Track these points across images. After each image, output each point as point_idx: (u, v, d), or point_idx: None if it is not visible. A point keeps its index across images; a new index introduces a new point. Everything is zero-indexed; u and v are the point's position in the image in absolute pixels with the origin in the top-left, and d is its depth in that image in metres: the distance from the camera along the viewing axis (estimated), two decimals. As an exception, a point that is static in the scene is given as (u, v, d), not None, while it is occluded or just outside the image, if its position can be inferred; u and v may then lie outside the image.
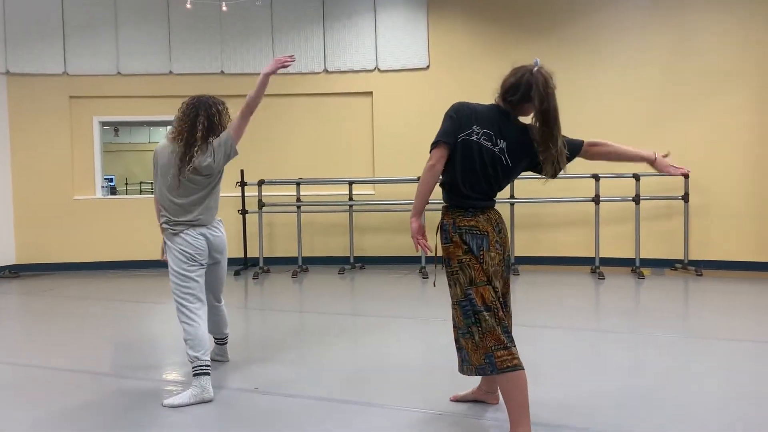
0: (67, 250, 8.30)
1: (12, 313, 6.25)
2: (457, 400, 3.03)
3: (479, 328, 2.49)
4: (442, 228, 2.72)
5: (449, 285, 2.64)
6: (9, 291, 7.13)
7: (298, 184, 7.81)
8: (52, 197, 8.31)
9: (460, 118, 2.61)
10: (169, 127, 3.48)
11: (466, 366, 2.60)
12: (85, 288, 7.11)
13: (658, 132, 7.50)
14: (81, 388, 3.41)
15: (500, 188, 2.72)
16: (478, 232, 2.61)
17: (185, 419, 2.96)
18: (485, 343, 2.48)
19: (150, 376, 3.72)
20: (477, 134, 2.55)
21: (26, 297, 6.83)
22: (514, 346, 2.51)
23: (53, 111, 8.28)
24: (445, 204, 2.76)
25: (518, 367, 2.45)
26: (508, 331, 2.53)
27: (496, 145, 2.57)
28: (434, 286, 2.91)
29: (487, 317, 2.49)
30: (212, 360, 3.67)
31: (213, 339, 3.73)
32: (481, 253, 2.57)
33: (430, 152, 2.64)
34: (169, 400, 3.12)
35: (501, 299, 2.58)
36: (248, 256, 8.12)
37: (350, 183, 7.89)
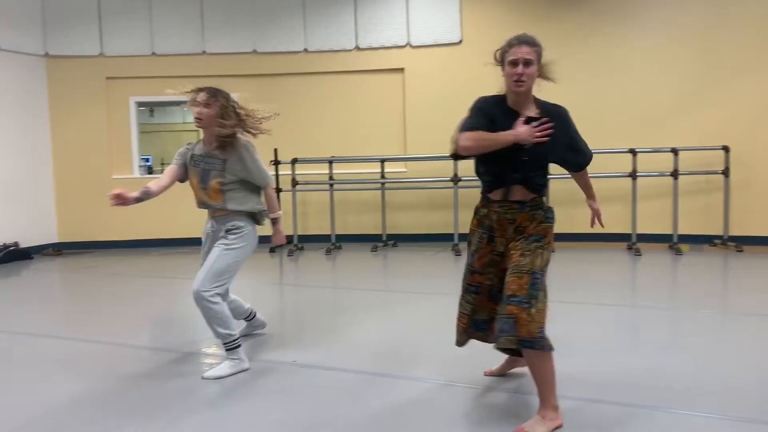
0: (107, 229, 8.50)
1: (56, 289, 6.45)
2: (492, 374, 3.04)
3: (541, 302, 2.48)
4: (546, 208, 2.70)
5: (535, 255, 2.56)
6: (52, 268, 7.35)
7: (330, 162, 7.83)
8: (91, 177, 8.50)
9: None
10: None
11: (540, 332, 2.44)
12: (125, 265, 7.29)
13: (696, 105, 7.32)
14: (123, 361, 3.51)
15: None
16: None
17: (225, 390, 3.03)
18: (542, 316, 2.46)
19: (189, 349, 3.81)
20: None
21: (69, 274, 7.03)
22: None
23: (91, 92, 8.44)
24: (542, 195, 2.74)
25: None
26: None
27: None
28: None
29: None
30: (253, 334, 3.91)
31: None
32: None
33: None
34: (210, 373, 3.19)
35: None
36: (282, 233, 8.21)
37: (382, 161, 7.88)
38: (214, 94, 3.33)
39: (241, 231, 3.33)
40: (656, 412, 2.57)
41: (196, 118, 3.29)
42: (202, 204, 3.45)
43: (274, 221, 3.51)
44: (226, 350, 3.24)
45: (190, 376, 3.26)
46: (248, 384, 3.12)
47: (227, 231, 3.33)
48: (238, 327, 3.41)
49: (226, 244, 3.28)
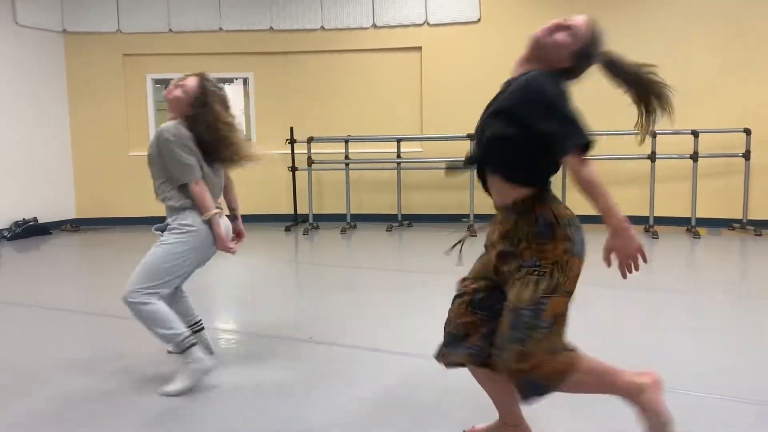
0: (124, 205, 8.57)
1: (75, 264, 6.53)
2: None
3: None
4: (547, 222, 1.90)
5: (522, 285, 1.85)
6: (71, 243, 7.43)
7: (346, 141, 7.82)
8: (109, 153, 8.56)
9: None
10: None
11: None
12: (142, 241, 7.34)
13: (717, 87, 7.21)
14: (140, 333, 3.55)
15: None
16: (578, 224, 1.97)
17: (243, 364, 3.06)
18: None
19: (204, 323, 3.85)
20: None
21: (87, 249, 7.11)
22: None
23: (108, 69, 8.46)
24: (536, 193, 1.97)
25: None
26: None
27: None
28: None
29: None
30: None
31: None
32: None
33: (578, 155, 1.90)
34: (167, 388, 2.72)
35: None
36: (298, 212, 8.24)
37: (398, 140, 7.86)
38: (203, 83, 2.88)
39: (182, 228, 2.82)
40: (674, 394, 2.56)
41: (165, 96, 2.90)
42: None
43: (208, 223, 2.86)
44: (179, 353, 2.74)
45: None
46: (265, 359, 3.15)
47: (169, 229, 2.88)
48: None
49: (160, 241, 2.87)
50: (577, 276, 1.86)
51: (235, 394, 2.72)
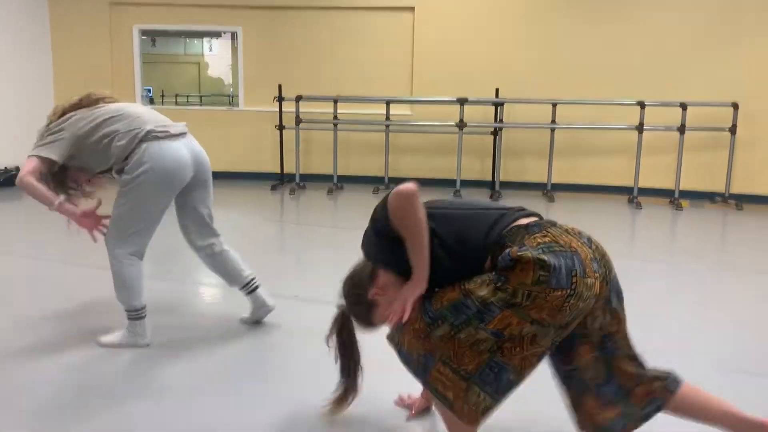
0: (109, 158, 8.46)
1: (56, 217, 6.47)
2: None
3: None
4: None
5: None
6: (54, 195, 7.36)
7: (335, 101, 7.75)
8: (94, 105, 8.42)
9: None
10: None
11: None
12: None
13: (707, 60, 7.22)
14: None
15: None
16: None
17: (231, 320, 3.09)
18: None
19: (189, 279, 3.86)
20: None
21: (71, 202, 7.05)
22: None
23: (93, 18, 8.26)
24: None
25: None
26: None
27: None
28: None
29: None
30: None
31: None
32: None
33: None
34: (103, 338, 2.78)
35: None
36: (284, 171, 8.20)
37: (387, 102, 7.80)
38: None
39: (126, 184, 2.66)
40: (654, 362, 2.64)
41: None
42: None
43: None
44: (127, 319, 2.76)
45: (193, 307, 3.32)
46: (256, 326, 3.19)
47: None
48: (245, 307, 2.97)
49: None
50: (558, 308, 1.57)
51: (223, 347, 2.75)
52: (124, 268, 2.66)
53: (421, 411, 2.16)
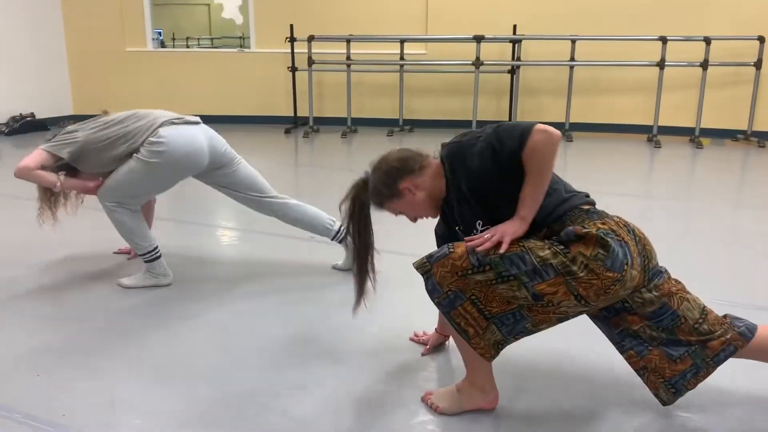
0: (122, 101, 8.36)
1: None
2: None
3: None
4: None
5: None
6: (70, 141, 7.39)
7: (348, 41, 7.60)
8: (105, 49, 8.35)
9: None
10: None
11: None
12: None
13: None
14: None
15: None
16: None
17: (248, 261, 3.13)
18: None
19: (205, 221, 3.90)
20: None
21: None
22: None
23: (100, -42, 8.10)
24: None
25: None
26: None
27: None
28: None
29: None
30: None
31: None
32: None
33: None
34: (123, 280, 2.81)
35: None
36: (298, 114, 8.14)
37: (401, 41, 7.63)
38: None
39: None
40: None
41: None
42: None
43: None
44: (144, 261, 2.79)
45: (202, 248, 3.36)
46: (268, 256, 3.21)
47: None
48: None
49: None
50: (604, 289, 1.58)
51: (243, 289, 2.80)
52: (116, 214, 2.70)
53: (435, 347, 2.19)
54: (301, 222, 3.03)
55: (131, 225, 2.74)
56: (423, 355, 2.17)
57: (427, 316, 2.25)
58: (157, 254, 2.79)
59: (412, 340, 2.26)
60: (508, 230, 1.64)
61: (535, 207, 1.67)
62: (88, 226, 3.52)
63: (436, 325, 2.21)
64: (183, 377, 2.01)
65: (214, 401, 1.86)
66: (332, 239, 3.02)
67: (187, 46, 14.35)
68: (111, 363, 2.10)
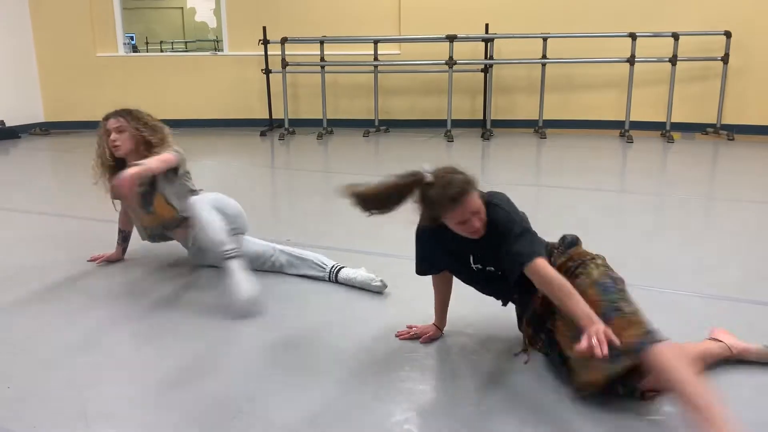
0: (94, 107, 8.26)
1: (46, 168, 6.43)
2: None
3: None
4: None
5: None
6: (41, 147, 7.28)
7: (321, 42, 7.59)
8: (75, 54, 8.25)
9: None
10: None
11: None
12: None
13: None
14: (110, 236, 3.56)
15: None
16: None
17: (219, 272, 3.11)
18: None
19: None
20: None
21: (58, 153, 6.99)
22: None
23: (68, -37, 8.00)
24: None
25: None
26: None
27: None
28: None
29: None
30: None
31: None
32: None
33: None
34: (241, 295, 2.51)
35: None
36: (273, 117, 8.11)
37: (375, 42, 7.65)
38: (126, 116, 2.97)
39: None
40: (639, 289, 2.68)
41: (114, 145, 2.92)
42: (155, 234, 3.03)
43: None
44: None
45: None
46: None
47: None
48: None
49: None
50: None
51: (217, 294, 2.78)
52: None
53: (432, 339, 2.22)
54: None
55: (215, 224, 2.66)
56: (421, 342, 2.18)
57: (413, 318, 2.24)
58: (232, 254, 2.60)
59: (401, 337, 2.26)
60: (599, 331, 1.63)
61: (580, 306, 1.72)
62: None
63: (433, 320, 2.25)
64: (156, 383, 1.99)
65: (190, 406, 1.85)
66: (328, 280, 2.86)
67: (161, 50, 14.20)
68: (81, 371, 2.08)
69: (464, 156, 6.25)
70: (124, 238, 3.14)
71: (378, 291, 2.70)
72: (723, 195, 4.69)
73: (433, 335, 2.23)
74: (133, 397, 1.91)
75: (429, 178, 1.85)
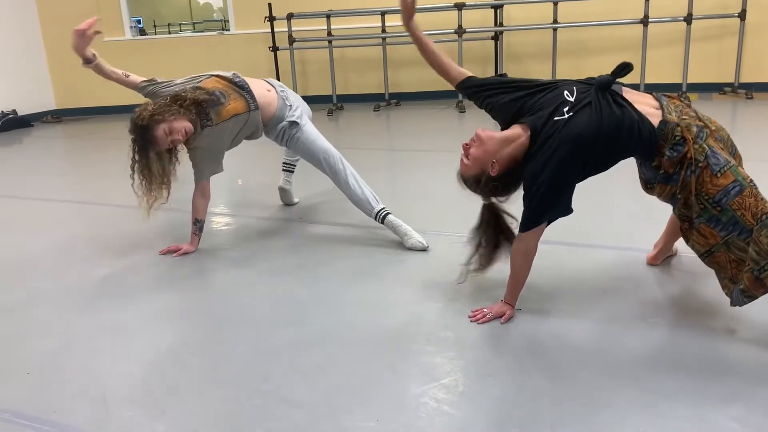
0: (105, 93, 8.32)
1: (61, 155, 6.46)
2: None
3: None
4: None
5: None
6: (54, 135, 7.31)
7: (328, 16, 7.50)
8: (83, 41, 8.22)
9: None
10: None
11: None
12: (124, 129, 7.24)
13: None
14: (130, 219, 3.58)
15: None
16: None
17: (240, 243, 3.11)
18: None
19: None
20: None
21: (72, 140, 7.01)
22: None
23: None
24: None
25: None
26: None
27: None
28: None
29: None
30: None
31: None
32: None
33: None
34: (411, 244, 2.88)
35: None
36: (283, 94, 8.06)
37: (382, 13, 7.53)
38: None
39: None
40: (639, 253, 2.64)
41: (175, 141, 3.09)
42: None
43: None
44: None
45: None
46: (259, 237, 3.20)
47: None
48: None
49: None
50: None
51: (237, 270, 2.78)
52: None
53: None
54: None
55: (356, 196, 3.12)
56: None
57: (434, 313, 2.22)
58: (384, 213, 2.98)
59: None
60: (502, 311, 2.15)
61: (516, 289, 2.16)
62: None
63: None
64: (173, 366, 2.00)
65: (205, 386, 1.86)
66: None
67: (169, 33, 14.14)
68: (100, 357, 2.09)
69: (478, 126, 6.16)
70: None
71: (419, 248, 2.84)
72: (744, 155, 4.58)
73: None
74: (151, 380, 1.92)
75: None
